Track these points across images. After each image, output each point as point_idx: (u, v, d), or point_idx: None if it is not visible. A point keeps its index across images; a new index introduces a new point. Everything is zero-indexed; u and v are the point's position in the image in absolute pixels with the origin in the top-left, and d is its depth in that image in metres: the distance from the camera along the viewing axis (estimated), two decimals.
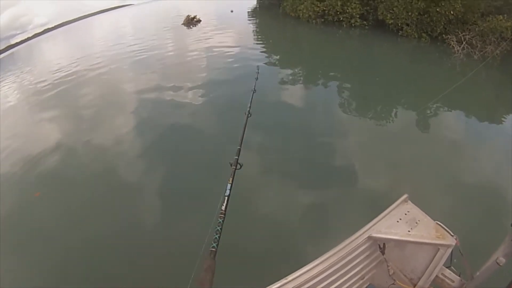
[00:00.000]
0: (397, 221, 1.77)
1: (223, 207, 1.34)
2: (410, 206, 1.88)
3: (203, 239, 1.28)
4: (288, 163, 4.92)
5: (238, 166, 1.64)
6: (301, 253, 3.12)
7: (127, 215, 4.06)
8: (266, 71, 9.16)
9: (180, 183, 4.63)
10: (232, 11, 20.07)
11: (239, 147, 1.82)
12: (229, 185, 1.47)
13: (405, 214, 1.81)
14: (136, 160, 5.35)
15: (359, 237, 1.73)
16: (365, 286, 1.94)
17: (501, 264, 1.41)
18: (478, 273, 1.57)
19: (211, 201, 1.58)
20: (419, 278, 1.80)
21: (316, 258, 1.60)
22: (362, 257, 1.83)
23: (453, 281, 1.72)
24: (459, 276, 1.72)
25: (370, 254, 1.87)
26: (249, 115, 2.25)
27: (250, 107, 2.32)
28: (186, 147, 5.56)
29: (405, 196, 1.91)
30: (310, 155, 5.12)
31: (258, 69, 3.08)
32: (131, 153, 5.60)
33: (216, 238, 1.18)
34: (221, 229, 1.22)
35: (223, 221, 1.27)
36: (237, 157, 1.70)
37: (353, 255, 1.74)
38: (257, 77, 2.96)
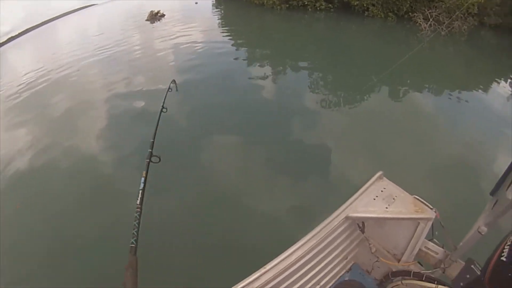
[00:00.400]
0: (374, 199, 1.73)
1: (138, 202, 1.29)
2: (385, 182, 1.83)
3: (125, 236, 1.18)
4: (263, 151, 4.81)
5: (157, 159, 1.61)
6: (279, 240, 2.98)
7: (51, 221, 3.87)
8: (234, 65, 8.68)
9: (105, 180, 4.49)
10: (196, 3, 19.25)
11: (152, 140, 1.79)
12: (143, 179, 1.43)
13: (381, 191, 1.77)
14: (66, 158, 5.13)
15: (336, 218, 1.68)
16: (349, 265, 1.96)
17: (483, 233, 1.38)
18: (461, 244, 1.54)
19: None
20: (402, 253, 1.79)
21: (294, 243, 1.53)
22: (342, 237, 1.81)
23: (437, 253, 1.70)
24: (443, 247, 1.69)
25: (350, 234, 1.86)
26: (164, 110, 2.28)
27: (164, 102, 2.36)
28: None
29: (380, 173, 1.86)
30: (282, 142, 5.00)
31: (174, 83, 2.98)
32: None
33: (134, 233, 1.14)
34: (138, 224, 1.18)
35: (139, 215, 1.22)
36: (150, 150, 1.65)
37: (333, 236, 1.72)
38: (170, 88, 2.83)
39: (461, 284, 1.32)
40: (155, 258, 2.87)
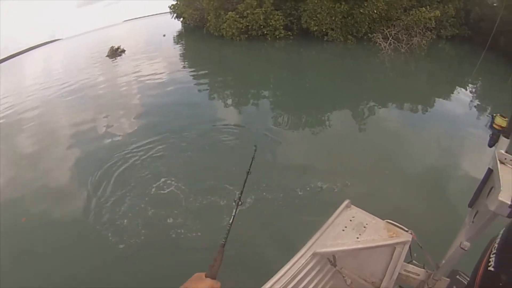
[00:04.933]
0: (343, 230, 1.65)
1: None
2: (354, 210, 1.77)
3: None
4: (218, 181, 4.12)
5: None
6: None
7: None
8: (197, 99, 8.19)
9: None
10: (164, 35, 19.33)
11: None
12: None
13: (350, 220, 1.70)
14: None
15: (303, 255, 1.59)
16: None
17: (466, 249, 1.35)
18: (444, 261, 1.53)
19: None
20: (381, 280, 1.75)
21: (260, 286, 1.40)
22: (312, 273, 1.69)
23: (418, 275, 1.69)
24: (424, 267, 1.67)
25: (321, 269, 1.74)
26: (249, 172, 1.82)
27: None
28: None
29: (346, 201, 1.78)
30: (243, 175, 4.27)
31: (256, 148, 2.43)
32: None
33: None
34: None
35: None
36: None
37: (302, 274, 1.61)
38: (254, 156, 2.36)
39: None
40: None
